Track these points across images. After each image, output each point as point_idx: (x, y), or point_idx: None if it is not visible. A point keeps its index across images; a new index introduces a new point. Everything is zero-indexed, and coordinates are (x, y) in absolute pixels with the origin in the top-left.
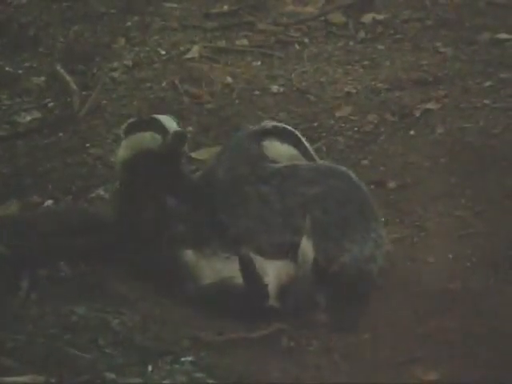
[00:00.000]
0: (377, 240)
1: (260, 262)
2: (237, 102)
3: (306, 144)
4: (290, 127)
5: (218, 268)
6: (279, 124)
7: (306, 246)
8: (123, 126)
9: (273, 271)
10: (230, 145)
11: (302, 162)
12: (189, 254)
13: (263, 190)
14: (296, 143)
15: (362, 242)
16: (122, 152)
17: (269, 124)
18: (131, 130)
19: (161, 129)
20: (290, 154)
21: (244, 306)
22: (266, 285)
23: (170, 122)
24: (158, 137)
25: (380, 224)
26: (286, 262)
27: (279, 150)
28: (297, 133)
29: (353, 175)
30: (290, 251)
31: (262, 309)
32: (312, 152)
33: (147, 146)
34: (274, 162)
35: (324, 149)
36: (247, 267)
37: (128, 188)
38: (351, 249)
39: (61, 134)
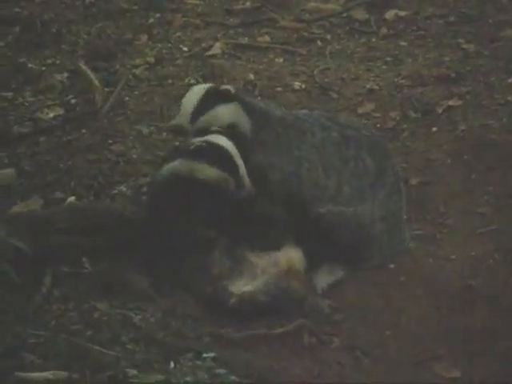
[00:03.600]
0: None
1: (252, 259)
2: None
3: None
4: None
5: (219, 271)
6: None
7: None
8: (198, 143)
9: (262, 268)
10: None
11: None
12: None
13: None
14: None
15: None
16: (185, 169)
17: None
18: (203, 156)
19: (239, 182)
20: None
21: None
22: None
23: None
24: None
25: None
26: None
27: None
28: None
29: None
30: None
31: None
32: None
33: (221, 189)
34: None
35: None
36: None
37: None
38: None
39: (83, 131)
